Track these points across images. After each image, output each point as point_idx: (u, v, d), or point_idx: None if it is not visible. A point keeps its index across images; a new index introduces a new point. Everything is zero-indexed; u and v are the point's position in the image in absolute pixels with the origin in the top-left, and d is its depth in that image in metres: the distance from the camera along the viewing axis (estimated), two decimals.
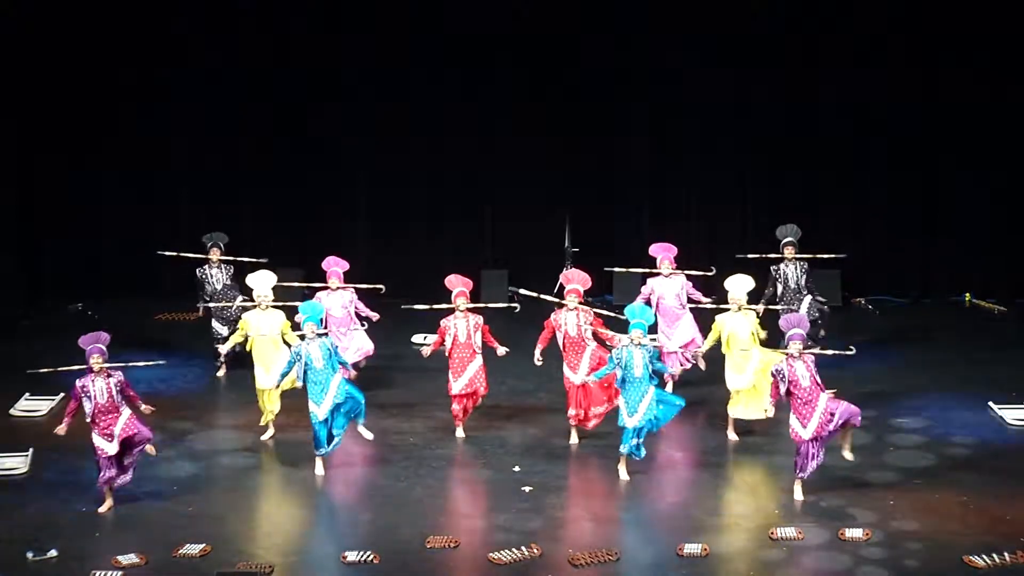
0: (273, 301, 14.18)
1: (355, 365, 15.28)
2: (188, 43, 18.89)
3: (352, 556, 11.26)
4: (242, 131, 19.14)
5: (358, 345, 15.38)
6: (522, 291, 14.80)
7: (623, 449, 12.86)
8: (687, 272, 15.18)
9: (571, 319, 13.70)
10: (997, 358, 16.54)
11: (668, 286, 15.13)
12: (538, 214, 19.45)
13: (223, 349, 15.30)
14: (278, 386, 13.77)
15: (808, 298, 15.51)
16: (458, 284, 14.13)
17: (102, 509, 12.26)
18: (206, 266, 16.12)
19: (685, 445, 13.97)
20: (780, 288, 15.60)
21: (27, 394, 15.15)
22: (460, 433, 14.09)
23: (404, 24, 18.94)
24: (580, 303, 13.75)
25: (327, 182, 19.46)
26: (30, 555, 11.26)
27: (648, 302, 14.97)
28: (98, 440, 12.21)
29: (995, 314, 18.88)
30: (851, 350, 12.75)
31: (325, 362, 12.96)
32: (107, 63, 18.92)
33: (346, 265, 15.41)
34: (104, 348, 12.26)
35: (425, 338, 17.24)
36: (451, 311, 14.07)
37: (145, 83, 18.99)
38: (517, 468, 13.23)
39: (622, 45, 18.78)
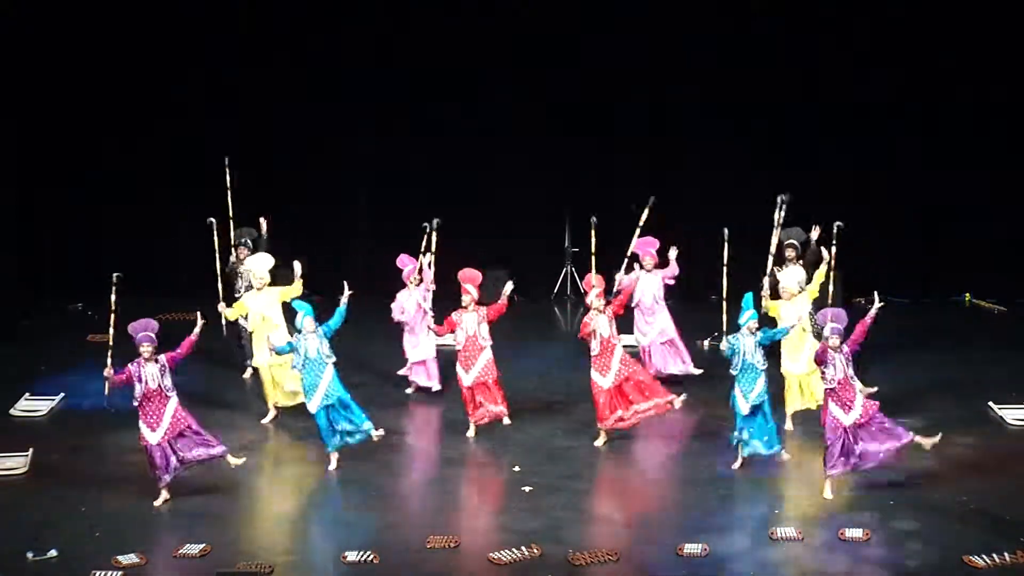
0: (270, 284, 14.39)
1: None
2: (188, 43, 18.88)
3: (352, 556, 11.26)
4: (240, 130, 19.12)
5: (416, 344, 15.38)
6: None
7: (732, 439, 12.94)
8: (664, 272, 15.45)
9: (602, 321, 13.58)
10: (997, 358, 16.54)
11: (647, 283, 15.36)
12: (538, 214, 19.46)
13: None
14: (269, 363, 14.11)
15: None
16: (466, 280, 14.13)
17: (157, 503, 12.30)
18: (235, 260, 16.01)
19: (685, 444, 13.98)
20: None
21: (27, 394, 15.16)
22: (471, 432, 14.04)
23: (404, 24, 18.94)
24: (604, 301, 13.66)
25: (327, 182, 19.46)
26: (30, 555, 11.26)
27: (631, 293, 15.08)
28: (143, 429, 12.26)
29: (995, 314, 18.89)
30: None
31: (318, 353, 13.01)
32: (108, 63, 18.92)
33: (416, 261, 15.28)
34: (153, 336, 12.35)
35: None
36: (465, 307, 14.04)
37: (145, 83, 18.98)
38: (517, 468, 13.23)
39: (622, 45, 18.77)
